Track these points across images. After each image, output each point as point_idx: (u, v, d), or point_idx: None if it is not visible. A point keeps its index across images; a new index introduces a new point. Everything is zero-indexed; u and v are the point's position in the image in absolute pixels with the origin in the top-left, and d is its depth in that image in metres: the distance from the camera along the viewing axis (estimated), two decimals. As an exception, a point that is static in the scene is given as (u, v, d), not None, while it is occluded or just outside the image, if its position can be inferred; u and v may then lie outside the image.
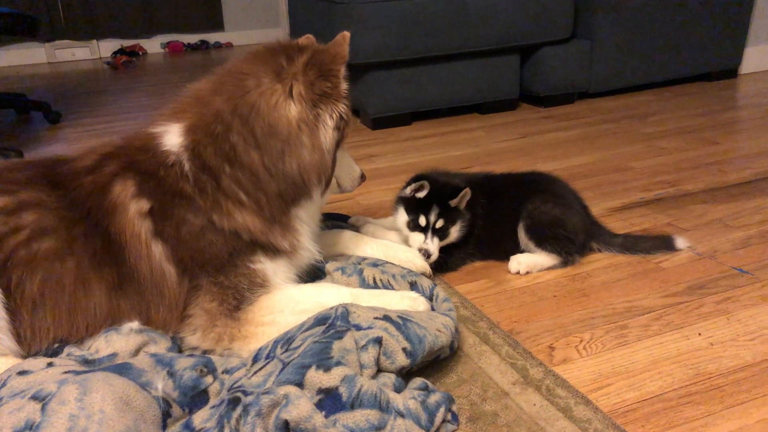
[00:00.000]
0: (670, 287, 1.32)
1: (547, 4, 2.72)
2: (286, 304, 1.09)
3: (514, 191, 1.47)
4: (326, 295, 1.12)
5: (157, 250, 1.04)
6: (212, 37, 6.07)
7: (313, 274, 1.25)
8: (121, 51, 5.43)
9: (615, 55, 2.94)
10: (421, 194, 1.35)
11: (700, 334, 1.15)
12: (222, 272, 1.06)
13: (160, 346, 1.04)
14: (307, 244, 1.16)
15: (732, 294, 1.28)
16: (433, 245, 1.34)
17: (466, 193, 1.35)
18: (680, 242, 1.46)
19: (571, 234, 1.40)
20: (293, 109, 1.08)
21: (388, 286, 1.21)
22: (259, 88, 1.08)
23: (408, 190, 1.37)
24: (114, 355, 1.00)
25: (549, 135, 2.50)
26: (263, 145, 1.06)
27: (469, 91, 2.79)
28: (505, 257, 1.44)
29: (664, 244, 1.46)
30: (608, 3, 2.83)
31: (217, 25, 6.06)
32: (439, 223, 1.35)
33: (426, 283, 1.22)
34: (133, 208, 1.04)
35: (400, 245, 1.36)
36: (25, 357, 1.02)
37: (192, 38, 6.00)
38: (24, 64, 5.42)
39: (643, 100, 3.00)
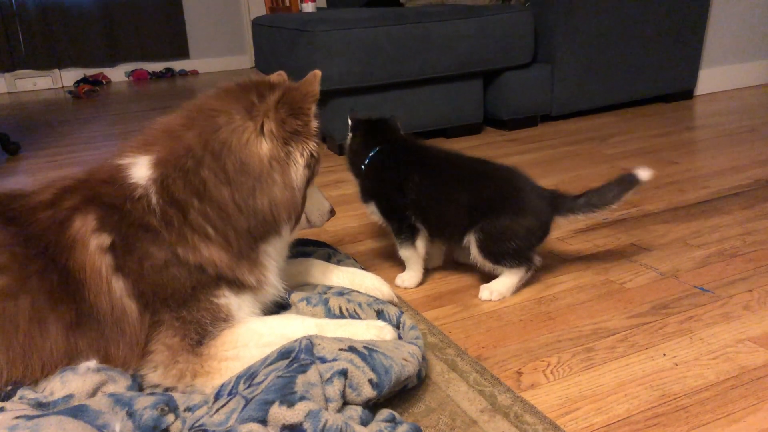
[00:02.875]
0: (634, 308, 1.33)
1: (508, 30, 2.78)
2: (249, 337, 1.07)
3: (460, 173, 1.44)
4: (291, 327, 1.10)
5: (118, 285, 1.01)
6: (177, 65, 6.06)
7: (278, 304, 1.23)
8: (84, 80, 5.37)
9: (575, 79, 3.01)
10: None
11: (664, 354, 1.16)
12: (185, 307, 1.03)
13: (120, 385, 1.01)
14: (274, 281, 1.15)
15: (694, 313, 1.30)
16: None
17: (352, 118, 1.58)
18: (642, 174, 1.39)
19: (526, 240, 1.37)
20: (265, 147, 1.08)
21: (354, 315, 1.20)
22: (231, 124, 1.07)
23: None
24: (70, 396, 0.96)
25: (513, 158, 2.53)
26: (234, 181, 1.06)
27: (434, 116, 2.82)
28: (449, 243, 1.50)
29: (628, 182, 1.40)
30: (567, 28, 2.90)
31: (183, 53, 6.05)
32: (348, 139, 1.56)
33: (393, 311, 1.21)
34: (93, 243, 1.01)
35: (366, 272, 1.35)
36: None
37: (157, 66, 5.98)
38: (-18, 94, 5.31)
39: (604, 121, 3.07)
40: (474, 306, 1.38)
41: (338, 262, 1.45)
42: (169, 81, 5.69)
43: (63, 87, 5.54)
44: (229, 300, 1.07)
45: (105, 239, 1.02)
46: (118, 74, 5.82)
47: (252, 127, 1.08)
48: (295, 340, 1.00)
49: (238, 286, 1.09)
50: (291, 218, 1.12)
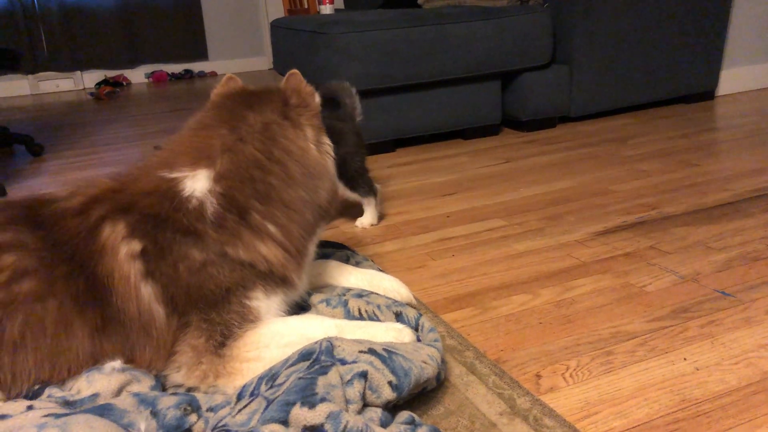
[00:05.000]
0: (654, 311, 1.33)
1: (526, 31, 2.77)
2: (271, 338, 1.08)
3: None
4: (311, 328, 1.11)
5: (147, 291, 1.03)
6: (196, 66, 6.12)
7: (299, 305, 1.25)
8: (105, 81, 5.44)
9: (594, 80, 3.00)
10: None
11: (685, 359, 1.15)
12: (214, 309, 1.05)
13: (144, 384, 1.03)
14: (305, 279, 1.21)
15: (715, 317, 1.29)
16: None
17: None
18: None
19: (368, 175, 1.84)
20: (312, 146, 1.19)
21: (373, 317, 1.20)
22: (283, 131, 1.16)
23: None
24: (96, 395, 0.98)
25: (531, 160, 2.53)
26: (301, 182, 1.15)
27: (452, 118, 2.82)
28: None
29: None
30: (585, 29, 2.89)
31: (201, 55, 6.11)
32: None
33: (411, 313, 1.22)
34: (123, 250, 1.03)
35: (384, 274, 1.36)
36: (4, 400, 1.00)
37: (176, 68, 6.04)
38: (7, 96, 5.41)
39: (623, 123, 3.05)
40: (493, 309, 1.38)
41: (357, 264, 1.46)
42: (188, 82, 5.75)
43: (84, 89, 5.63)
44: (260, 303, 1.09)
45: (135, 246, 1.04)
46: (138, 76, 5.90)
47: (299, 131, 1.18)
48: (316, 342, 1.01)
49: (275, 286, 1.12)
50: (333, 207, 1.24)
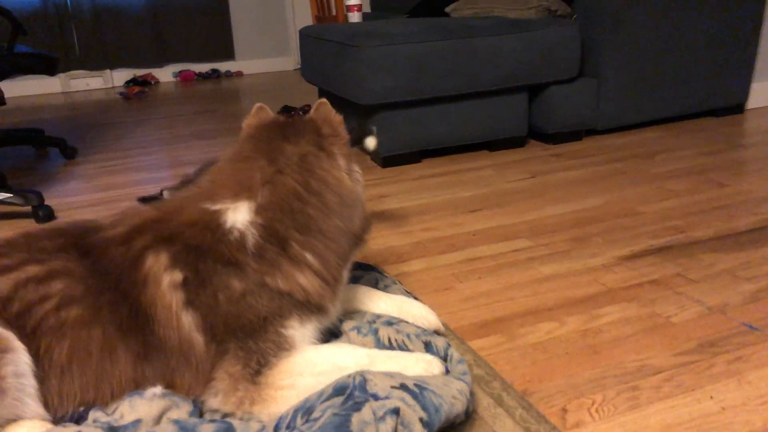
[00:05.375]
0: (680, 344, 1.34)
1: (554, 45, 2.77)
2: (305, 367, 1.11)
3: None
4: (343, 357, 1.14)
5: (187, 320, 1.07)
6: (223, 66, 6.18)
7: (330, 331, 1.28)
8: (134, 81, 5.53)
9: (621, 93, 2.99)
10: None
11: (711, 397, 1.16)
12: (251, 337, 1.09)
13: (183, 410, 1.07)
14: (339, 306, 1.24)
15: (742, 353, 1.29)
16: None
17: None
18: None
19: None
20: (345, 176, 1.23)
21: (403, 347, 1.23)
22: (319, 162, 1.20)
23: None
24: (138, 421, 1.03)
25: (558, 175, 2.53)
26: (337, 212, 1.19)
27: (478, 129, 2.83)
28: None
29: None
30: (614, 42, 2.87)
31: (228, 54, 6.17)
32: None
33: (440, 343, 1.24)
34: (166, 280, 1.08)
35: (413, 301, 1.39)
36: (50, 421, 1.05)
37: (203, 67, 6.11)
38: (38, 93, 5.52)
39: (651, 136, 3.04)
40: (520, 337, 1.40)
41: (385, 288, 1.49)
42: (215, 82, 5.82)
43: (114, 87, 5.72)
44: (295, 332, 1.13)
45: (177, 276, 1.08)
46: (165, 75, 5.98)
47: (334, 162, 1.22)
48: (349, 376, 1.04)
49: (310, 315, 1.15)
50: (366, 234, 1.27)
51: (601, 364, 1.29)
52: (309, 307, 1.15)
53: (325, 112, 1.28)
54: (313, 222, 1.16)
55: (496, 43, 2.68)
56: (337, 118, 1.29)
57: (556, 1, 3.24)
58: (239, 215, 1.13)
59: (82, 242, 1.12)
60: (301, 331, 1.15)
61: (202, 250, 1.10)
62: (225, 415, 1.10)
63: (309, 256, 1.15)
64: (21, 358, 1.01)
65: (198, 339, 1.09)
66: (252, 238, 1.12)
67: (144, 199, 1.65)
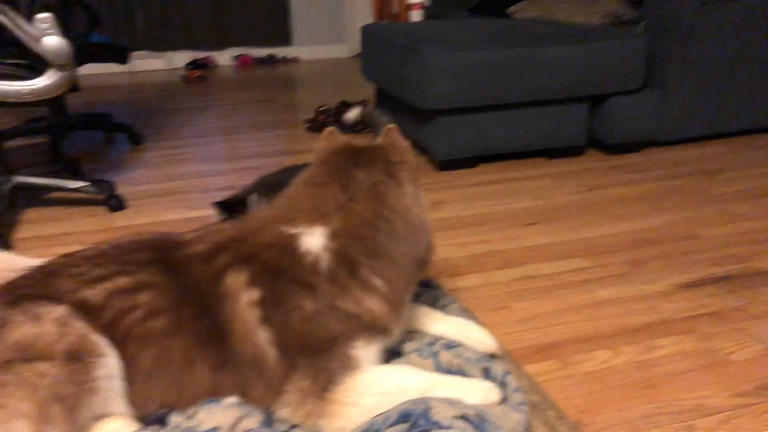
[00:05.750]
0: (738, 384, 1.34)
1: (619, 56, 2.73)
2: (368, 386, 1.17)
3: None
4: (405, 379, 1.20)
5: (262, 335, 1.14)
6: (280, 52, 6.25)
7: (391, 351, 1.33)
8: (194, 63, 5.66)
9: (686, 105, 2.92)
10: None
11: (768, 444, 1.17)
12: (321, 355, 1.16)
13: (255, 419, 1.15)
14: (402, 327, 1.30)
15: (802, 399, 1.29)
16: None
17: None
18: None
19: None
20: (413, 204, 1.28)
21: (461, 372, 1.28)
22: (389, 190, 1.25)
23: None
24: (216, 428, 1.11)
25: (615, 189, 2.51)
26: (404, 238, 1.24)
27: (536, 137, 2.83)
28: None
29: None
30: (684, 55, 2.81)
31: (285, 40, 6.24)
32: None
33: (499, 369, 1.28)
34: (244, 298, 1.15)
35: (472, 324, 1.43)
36: (134, 419, 1.14)
37: (261, 52, 6.20)
38: (104, 72, 5.70)
39: (713, 151, 2.97)
40: (574, 364, 1.43)
41: (443, 307, 1.53)
42: (271, 67, 5.91)
43: (175, 68, 5.88)
44: (361, 352, 1.19)
45: (255, 294, 1.15)
46: (224, 58, 6.09)
47: (403, 190, 1.26)
48: (413, 402, 1.09)
49: (375, 336, 1.21)
50: (430, 258, 1.31)
51: (656, 399, 1.30)
52: (375, 329, 1.21)
53: (393, 138, 1.33)
54: (382, 248, 1.21)
55: (560, 53, 2.65)
56: (405, 144, 1.34)
57: (622, 6, 3.18)
58: (314, 240, 1.19)
59: (167, 257, 1.20)
60: (366, 352, 1.21)
61: (279, 271, 1.17)
62: (293, 426, 1.17)
63: (377, 281, 1.20)
64: (111, 362, 1.11)
65: (271, 354, 1.16)
66: (325, 262, 1.18)
67: (220, 205, 1.72)
